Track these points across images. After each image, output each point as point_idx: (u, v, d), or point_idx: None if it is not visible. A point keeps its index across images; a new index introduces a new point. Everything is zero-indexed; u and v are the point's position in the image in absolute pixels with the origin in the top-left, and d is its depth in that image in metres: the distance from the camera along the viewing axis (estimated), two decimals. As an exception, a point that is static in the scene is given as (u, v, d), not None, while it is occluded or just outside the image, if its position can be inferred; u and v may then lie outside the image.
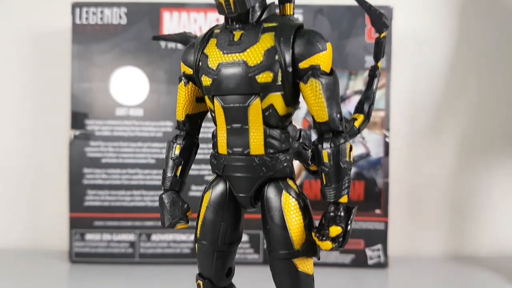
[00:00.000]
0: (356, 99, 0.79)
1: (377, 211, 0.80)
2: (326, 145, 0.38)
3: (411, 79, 0.89)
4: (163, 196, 0.43)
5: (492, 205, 0.89)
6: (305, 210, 0.40)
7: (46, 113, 0.88)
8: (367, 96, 0.45)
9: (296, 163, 0.41)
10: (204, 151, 0.71)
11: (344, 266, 0.80)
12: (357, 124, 0.44)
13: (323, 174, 0.38)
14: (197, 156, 0.45)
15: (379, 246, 0.80)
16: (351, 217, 0.38)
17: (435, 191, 0.90)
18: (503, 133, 0.89)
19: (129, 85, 0.79)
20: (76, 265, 0.79)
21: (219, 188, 0.42)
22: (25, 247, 0.87)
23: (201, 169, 0.79)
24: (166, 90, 0.79)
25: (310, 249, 0.39)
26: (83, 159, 0.79)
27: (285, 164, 0.40)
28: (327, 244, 0.36)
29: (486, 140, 0.89)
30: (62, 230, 0.85)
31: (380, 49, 0.45)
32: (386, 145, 0.80)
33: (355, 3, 0.44)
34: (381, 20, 0.43)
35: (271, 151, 0.39)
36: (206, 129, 0.71)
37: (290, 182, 0.40)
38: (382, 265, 0.80)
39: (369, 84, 0.46)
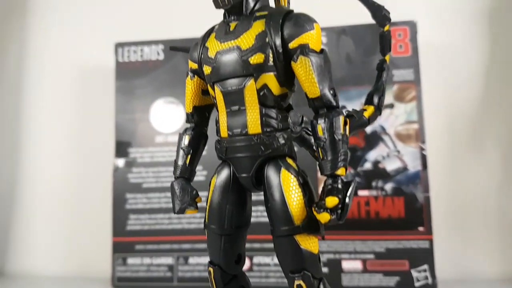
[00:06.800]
0: (386, 113, 0.79)
1: (420, 229, 0.77)
2: (320, 120, 0.39)
3: (443, 90, 0.87)
4: (174, 183, 0.45)
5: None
6: (305, 186, 0.40)
7: (92, 143, 0.95)
8: (377, 88, 0.46)
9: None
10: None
11: (388, 289, 0.77)
12: (366, 114, 0.45)
13: (319, 149, 0.39)
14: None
15: (425, 266, 0.76)
16: (350, 189, 0.37)
17: (483, 204, 0.84)
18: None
19: (167, 114, 0.84)
20: (118, 290, 0.81)
21: (224, 172, 0.43)
22: (70, 273, 0.91)
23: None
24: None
25: (311, 226, 0.39)
26: (126, 185, 0.83)
27: (282, 142, 0.40)
28: (325, 216, 0.36)
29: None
30: (105, 255, 0.88)
31: (386, 43, 0.46)
32: (424, 158, 0.78)
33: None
34: (381, 13, 0.45)
35: (268, 129, 0.40)
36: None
37: (289, 160, 0.41)
38: (430, 287, 0.76)
39: (378, 77, 0.47)
